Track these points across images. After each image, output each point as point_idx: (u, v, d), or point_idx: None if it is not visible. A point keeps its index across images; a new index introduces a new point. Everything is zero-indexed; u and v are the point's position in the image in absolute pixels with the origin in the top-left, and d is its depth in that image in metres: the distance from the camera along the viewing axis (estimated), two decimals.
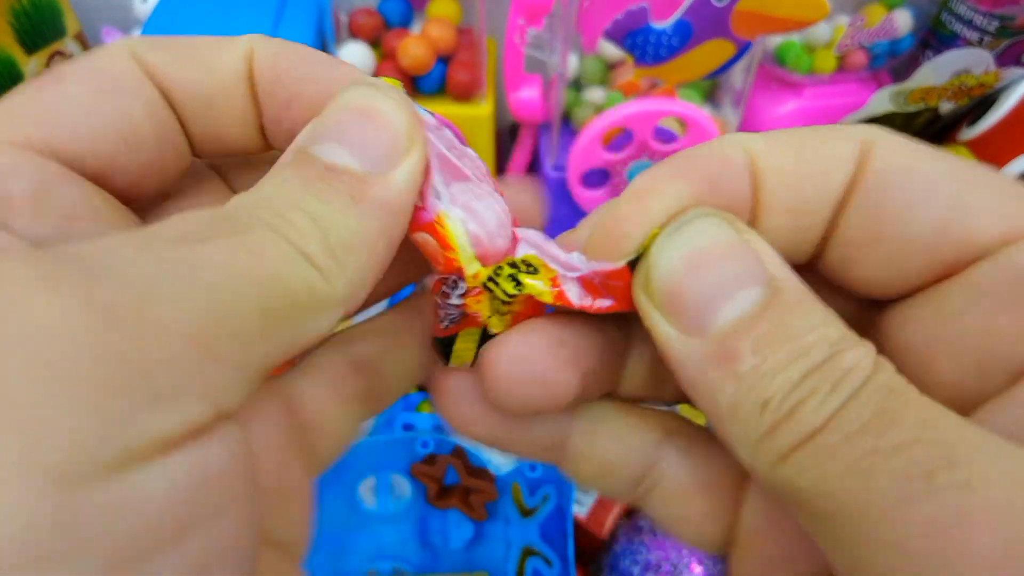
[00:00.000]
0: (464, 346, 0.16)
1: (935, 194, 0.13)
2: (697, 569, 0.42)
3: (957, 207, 0.13)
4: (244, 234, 0.11)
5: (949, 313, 0.13)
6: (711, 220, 0.13)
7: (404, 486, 0.45)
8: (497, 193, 0.15)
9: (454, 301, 0.15)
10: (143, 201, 0.15)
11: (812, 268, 0.14)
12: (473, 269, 0.14)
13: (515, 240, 0.15)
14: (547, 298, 0.14)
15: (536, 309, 0.15)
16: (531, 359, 0.14)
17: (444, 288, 0.15)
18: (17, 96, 0.14)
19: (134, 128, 0.14)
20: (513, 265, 0.15)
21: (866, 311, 0.15)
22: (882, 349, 0.13)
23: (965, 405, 0.13)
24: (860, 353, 0.12)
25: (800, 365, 0.11)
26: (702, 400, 0.12)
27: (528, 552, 0.43)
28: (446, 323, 0.15)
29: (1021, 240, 0.12)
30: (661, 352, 0.13)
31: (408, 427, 0.51)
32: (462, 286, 0.15)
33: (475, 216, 0.14)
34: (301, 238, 0.12)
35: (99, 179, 0.14)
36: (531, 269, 0.15)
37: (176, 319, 0.10)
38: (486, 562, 0.44)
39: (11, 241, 0.12)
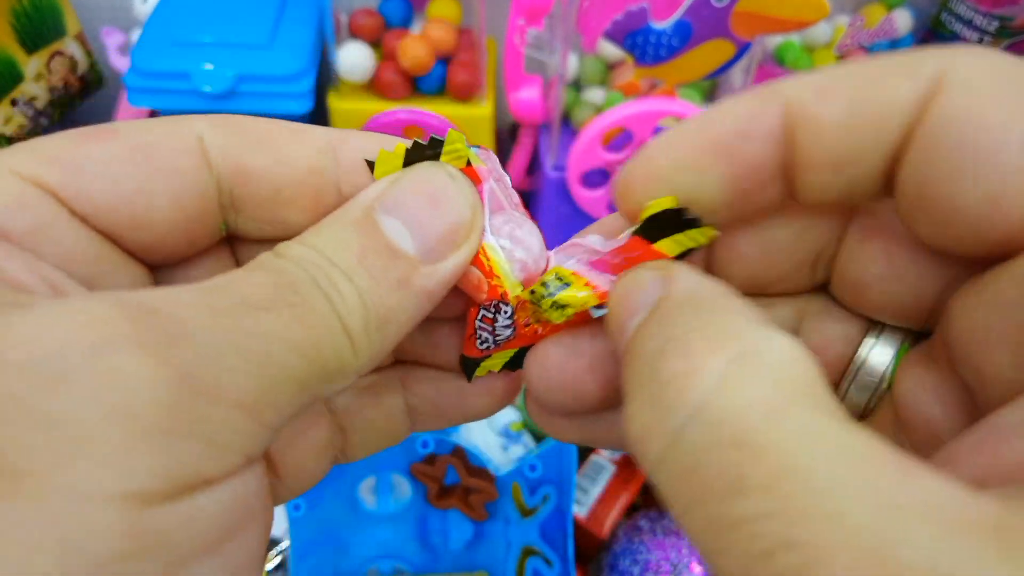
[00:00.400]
0: (493, 362, 0.17)
1: (993, 159, 0.11)
2: (697, 569, 0.42)
3: (1013, 180, 0.11)
4: (301, 306, 0.13)
5: (1004, 301, 0.12)
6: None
7: (404, 486, 0.45)
8: (527, 217, 0.16)
9: (503, 323, 0.16)
10: (155, 261, 0.15)
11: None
12: (516, 292, 0.15)
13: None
14: (592, 302, 0.15)
15: (582, 314, 0.16)
16: (552, 371, 0.15)
17: (485, 314, 0.16)
18: (60, 138, 0.14)
19: (171, 207, 0.14)
20: (545, 284, 0.15)
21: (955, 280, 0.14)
22: (946, 332, 0.12)
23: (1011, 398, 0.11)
24: (713, 367, 0.11)
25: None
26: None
27: (528, 552, 0.43)
28: (487, 345, 0.16)
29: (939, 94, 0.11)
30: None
31: None
32: (506, 310, 0.16)
33: (521, 244, 0.15)
34: (348, 313, 0.13)
35: (109, 236, 0.14)
36: (563, 283, 0.15)
37: (234, 387, 0.12)
38: (486, 562, 0.44)
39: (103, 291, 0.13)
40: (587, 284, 0.15)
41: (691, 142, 0.13)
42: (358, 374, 0.14)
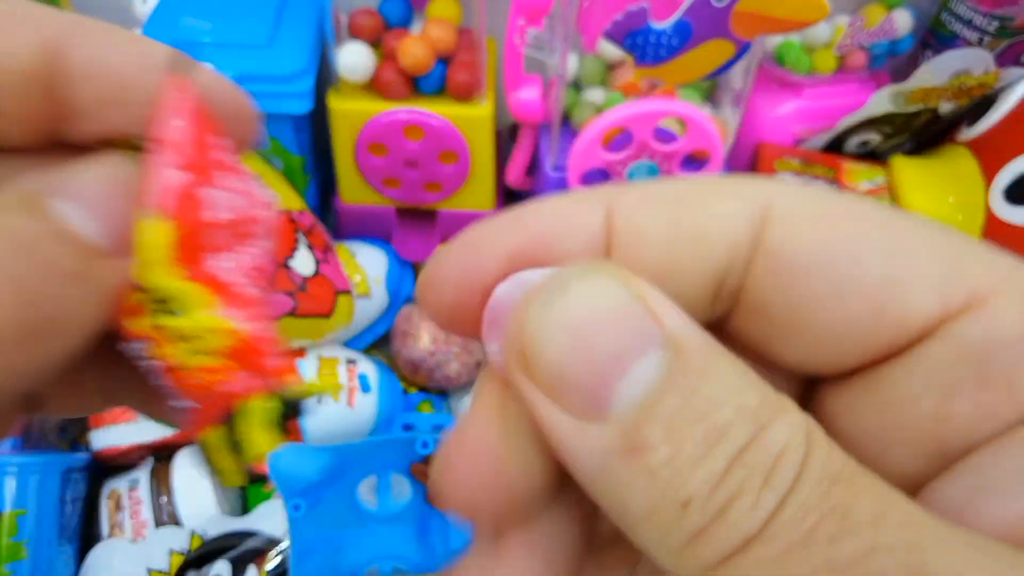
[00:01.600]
0: (255, 435, 0.13)
1: (858, 268, 0.11)
2: None
3: (887, 282, 0.11)
4: None
5: (898, 399, 0.11)
6: (593, 278, 0.11)
7: (404, 486, 0.45)
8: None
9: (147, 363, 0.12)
10: None
11: (724, 333, 0.12)
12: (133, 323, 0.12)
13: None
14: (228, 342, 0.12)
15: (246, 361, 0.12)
16: (467, 479, 0.12)
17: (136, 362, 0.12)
18: None
19: None
20: (162, 300, 0.12)
21: (796, 383, 0.13)
22: (830, 424, 0.12)
23: (912, 489, 0.11)
24: (789, 426, 0.10)
25: (723, 451, 0.09)
26: (608, 500, 0.10)
27: None
28: (179, 406, 0.13)
29: (964, 312, 0.11)
30: (552, 444, 0.11)
31: (408, 427, 0.51)
32: (135, 346, 0.12)
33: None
34: None
35: None
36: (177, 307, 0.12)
37: None
38: (431, 524, 0.44)
39: None
40: (223, 303, 0.12)
41: (511, 234, 0.12)
42: None
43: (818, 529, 0.09)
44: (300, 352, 0.47)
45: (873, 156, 0.57)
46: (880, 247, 0.11)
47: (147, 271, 0.12)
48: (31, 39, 0.12)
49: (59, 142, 0.14)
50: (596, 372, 0.10)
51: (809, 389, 0.13)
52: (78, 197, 0.12)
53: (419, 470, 0.43)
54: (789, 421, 0.10)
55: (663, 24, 0.42)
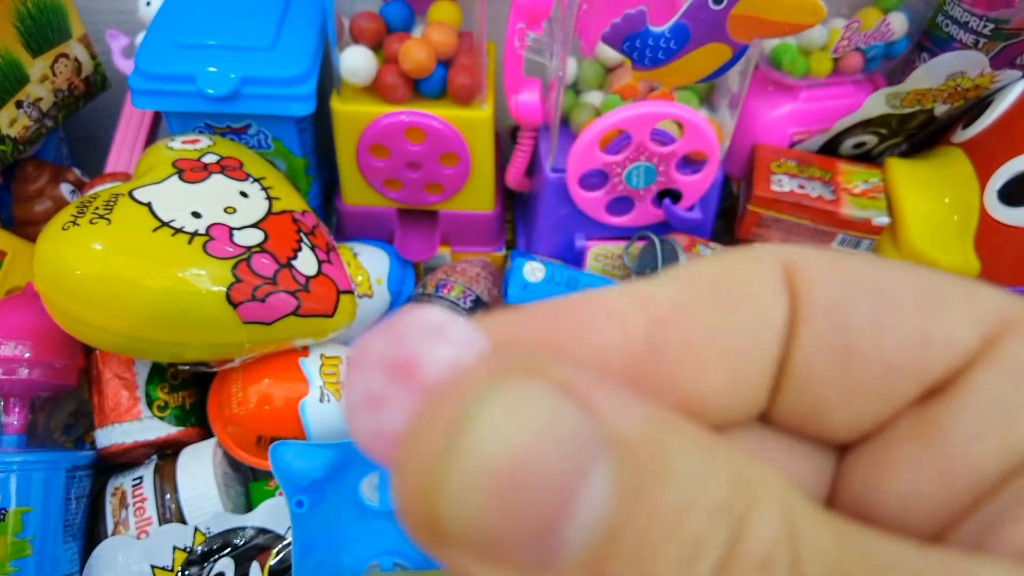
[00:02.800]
0: None
1: (898, 307, 0.11)
2: None
3: (929, 316, 0.11)
4: None
5: (958, 437, 0.10)
6: (509, 391, 0.08)
7: None
8: None
9: None
10: None
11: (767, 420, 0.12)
12: None
13: None
14: None
15: None
16: None
17: None
18: None
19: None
20: None
21: (831, 454, 0.12)
22: (849, 504, 0.11)
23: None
24: (769, 520, 0.08)
25: (702, 571, 0.08)
26: None
27: None
28: None
29: (1003, 337, 0.11)
30: None
31: None
32: None
33: None
34: None
35: None
36: None
37: None
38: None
39: None
40: None
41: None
42: None
43: None
44: (304, 351, 0.47)
45: (868, 158, 0.58)
46: (909, 290, 0.11)
47: None
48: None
49: None
50: (535, 522, 0.08)
51: (838, 458, 0.12)
52: None
53: None
54: (768, 514, 0.08)
55: (661, 27, 0.43)
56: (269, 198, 0.46)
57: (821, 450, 0.12)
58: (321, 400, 0.46)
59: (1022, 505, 0.09)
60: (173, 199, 0.43)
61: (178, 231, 0.41)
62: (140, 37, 0.53)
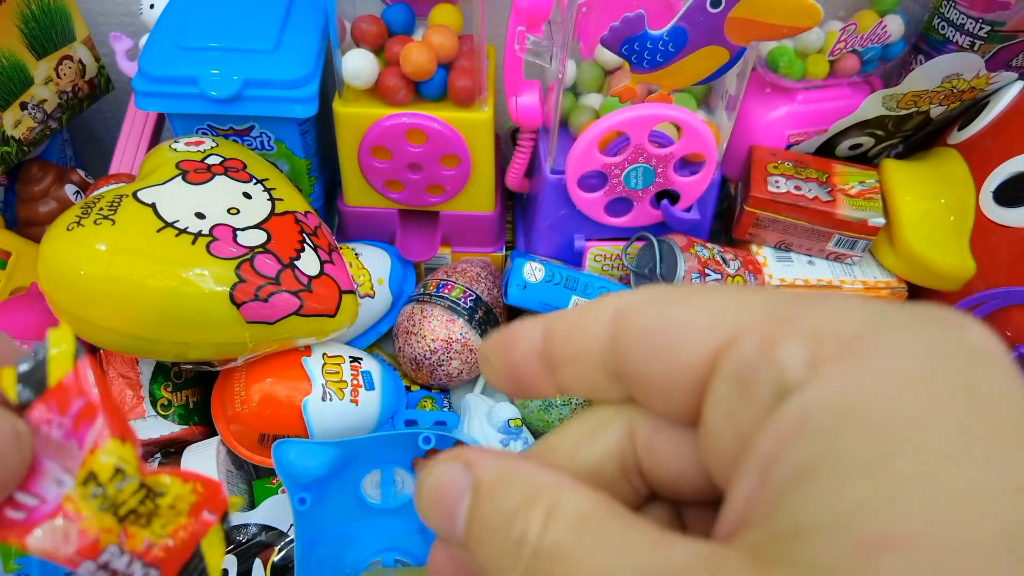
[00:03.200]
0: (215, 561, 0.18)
1: (664, 337, 0.14)
2: None
3: (679, 344, 0.14)
4: None
5: (711, 438, 0.14)
6: (437, 467, 0.15)
7: (407, 480, 0.46)
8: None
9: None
10: None
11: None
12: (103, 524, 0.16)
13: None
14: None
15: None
16: None
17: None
18: None
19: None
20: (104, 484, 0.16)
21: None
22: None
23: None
24: (537, 515, 0.13)
25: (503, 536, 0.13)
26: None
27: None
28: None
29: (732, 345, 0.13)
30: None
31: (410, 423, 0.52)
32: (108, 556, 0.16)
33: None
34: None
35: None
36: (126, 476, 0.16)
37: None
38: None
39: None
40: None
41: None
42: None
43: None
44: (306, 350, 0.48)
45: (865, 159, 0.58)
46: (675, 317, 0.14)
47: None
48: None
49: None
50: (444, 516, 0.15)
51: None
52: None
53: (421, 464, 0.44)
54: (538, 509, 0.13)
55: (659, 31, 0.43)
56: (272, 199, 0.47)
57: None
58: (323, 399, 0.46)
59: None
60: (177, 200, 0.43)
61: (182, 232, 0.41)
62: (144, 40, 0.54)
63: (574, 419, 0.17)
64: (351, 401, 0.47)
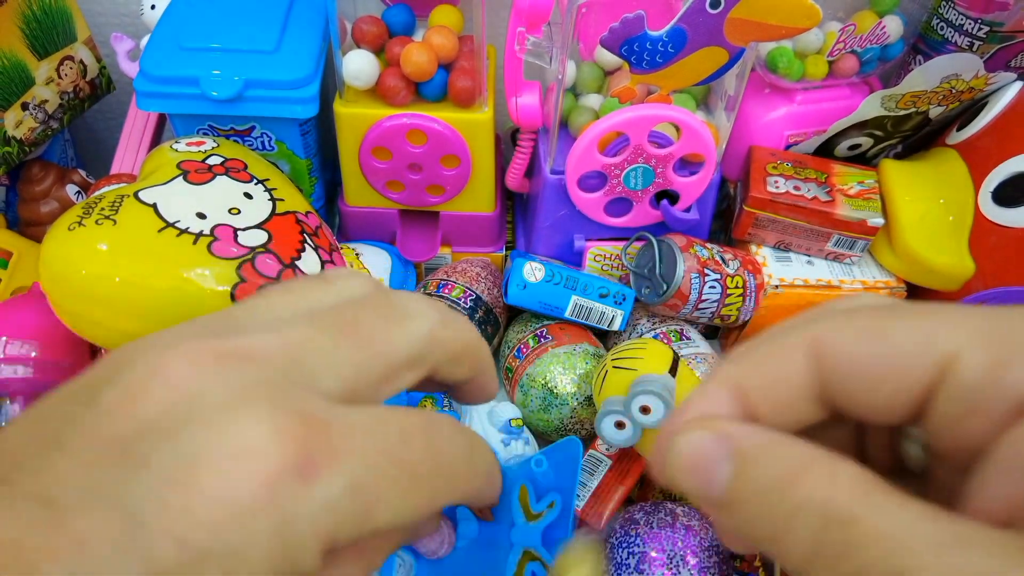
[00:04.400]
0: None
1: (873, 361, 0.16)
2: (692, 560, 0.43)
3: (892, 364, 0.15)
4: (437, 444, 0.18)
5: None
6: (688, 436, 0.17)
7: None
8: None
9: None
10: None
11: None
12: None
13: None
14: None
15: None
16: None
17: None
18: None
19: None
20: None
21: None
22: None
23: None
24: (819, 482, 0.14)
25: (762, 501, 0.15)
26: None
27: (528, 556, 0.44)
28: None
29: (953, 366, 0.15)
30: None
31: None
32: None
33: None
34: (467, 459, 0.19)
35: None
36: None
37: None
38: (487, 562, 0.45)
39: None
40: None
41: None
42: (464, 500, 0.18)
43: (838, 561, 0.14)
44: None
45: (864, 159, 0.58)
46: (879, 343, 0.16)
47: None
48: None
49: None
50: (701, 479, 0.16)
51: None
52: None
53: None
54: (815, 476, 0.14)
55: (659, 31, 0.43)
56: (273, 199, 0.47)
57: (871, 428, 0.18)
58: None
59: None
60: (178, 200, 0.43)
61: (183, 232, 0.42)
62: (145, 40, 0.54)
63: (753, 349, 0.17)
64: None
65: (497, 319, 0.55)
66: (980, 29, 0.52)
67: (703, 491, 0.16)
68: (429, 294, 0.54)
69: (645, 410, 0.42)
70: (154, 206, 0.42)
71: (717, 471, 0.15)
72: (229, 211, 0.44)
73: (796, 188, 0.52)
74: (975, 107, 0.53)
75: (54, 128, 0.59)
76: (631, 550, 0.43)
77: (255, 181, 0.47)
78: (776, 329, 0.18)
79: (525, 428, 0.50)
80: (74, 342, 0.46)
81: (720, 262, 0.52)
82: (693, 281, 0.50)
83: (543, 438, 0.52)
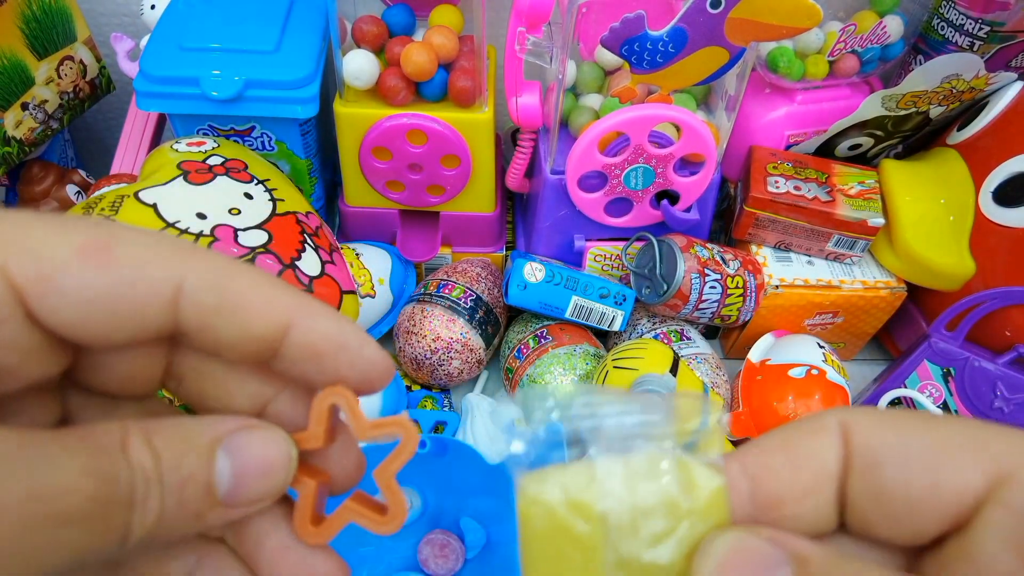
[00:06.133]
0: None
1: (918, 461, 0.15)
2: None
3: (941, 469, 0.15)
4: (103, 511, 0.14)
5: (982, 560, 0.15)
6: (729, 537, 0.16)
7: (415, 497, 0.46)
8: None
9: None
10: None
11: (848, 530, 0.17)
12: None
13: None
14: None
15: None
16: None
17: None
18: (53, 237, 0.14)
19: (132, 336, 0.15)
20: None
21: (907, 556, 0.17)
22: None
23: None
24: None
25: None
26: None
27: None
28: None
29: (1006, 481, 0.15)
30: None
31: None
32: None
33: None
34: (139, 525, 0.14)
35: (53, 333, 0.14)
36: None
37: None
38: (496, 569, 0.45)
39: None
40: None
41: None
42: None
43: None
44: None
45: (864, 159, 0.58)
46: (929, 440, 0.16)
47: None
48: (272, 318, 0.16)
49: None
50: None
51: (917, 558, 0.17)
52: (235, 455, 0.15)
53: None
54: None
55: (659, 31, 0.43)
56: (273, 200, 0.47)
57: (887, 549, 0.17)
58: None
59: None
60: (178, 200, 0.43)
61: (183, 232, 0.42)
62: (145, 40, 0.54)
63: (787, 454, 0.17)
64: None
65: (497, 319, 0.55)
66: (981, 29, 0.52)
67: None
68: (429, 294, 0.54)
69: None
70: (154, 206, 0.42)
71: (777, 574, 0.15)
72: (229, 211, 0.44)
73: (796, 188, 0.52)
74: (975, 107, 0.53)
75: (54, 128, 0.59)
76: None
77: (255, 181, 0.47)
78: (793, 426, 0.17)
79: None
80: None
81: (720, 262, 0.52)
82: (693, 281, 0.50)
83: None
